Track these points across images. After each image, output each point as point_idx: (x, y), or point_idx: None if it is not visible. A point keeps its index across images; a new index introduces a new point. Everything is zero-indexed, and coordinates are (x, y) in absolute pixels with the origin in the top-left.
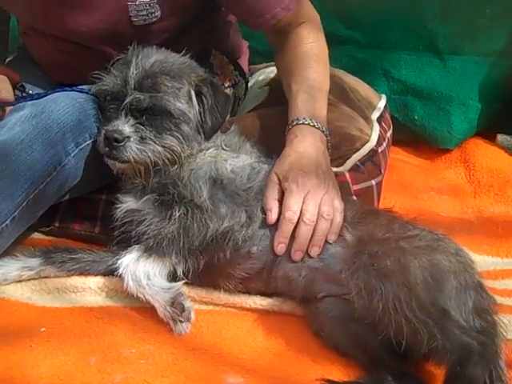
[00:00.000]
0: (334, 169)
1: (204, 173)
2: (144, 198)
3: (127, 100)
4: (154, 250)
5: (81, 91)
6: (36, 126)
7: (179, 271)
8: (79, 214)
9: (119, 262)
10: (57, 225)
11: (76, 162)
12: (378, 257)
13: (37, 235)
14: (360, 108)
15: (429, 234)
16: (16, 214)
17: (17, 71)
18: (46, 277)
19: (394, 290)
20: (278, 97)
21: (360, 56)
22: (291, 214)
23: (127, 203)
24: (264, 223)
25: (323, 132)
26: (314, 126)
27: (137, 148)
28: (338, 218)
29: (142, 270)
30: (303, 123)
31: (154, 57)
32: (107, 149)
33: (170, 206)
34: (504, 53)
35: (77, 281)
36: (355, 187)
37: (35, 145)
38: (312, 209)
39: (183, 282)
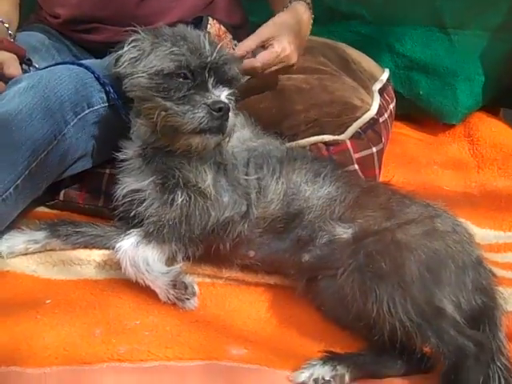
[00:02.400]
0: (336, 137)
1: (209, 157)
2: (147, 181)
3: (223, 74)
4: (153, 236)
5: (81, 65)
6: (34, 96)
7: (179, 258)
8: (83, 187)
9: (117, 245)
10: (61, 198)
11: (76, 132)
12: (373, 257)
13: (42, 209)
14: (362, 79)
15: (425, 211)
16: (19, 182)
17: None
18: (51, 250)
19: (388, 292)
20: None
21: (364, 31)
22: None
23: (128, 183)
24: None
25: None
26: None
27: (233, 120)
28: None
29: (140, 256)
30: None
31: (196, 31)
32: (218, 121)
33: (173, 190)
34: (509, 28)
35: (82, 253)
36: (357, 155)
37: (34, 114)
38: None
39: (182, 263)
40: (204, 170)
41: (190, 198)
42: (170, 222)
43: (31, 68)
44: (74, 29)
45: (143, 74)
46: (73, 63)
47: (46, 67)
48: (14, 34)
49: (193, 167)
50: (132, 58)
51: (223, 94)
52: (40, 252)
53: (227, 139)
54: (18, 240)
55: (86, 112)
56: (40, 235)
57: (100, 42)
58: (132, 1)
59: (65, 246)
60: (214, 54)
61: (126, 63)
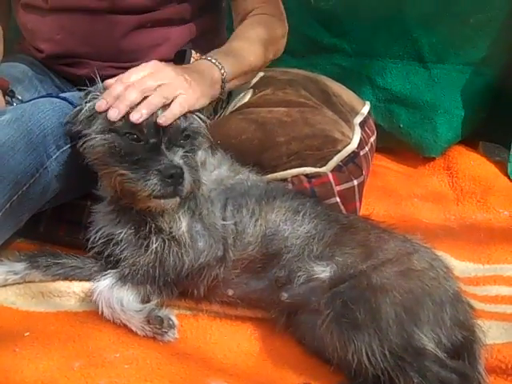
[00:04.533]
0: (318, 169)
1: (183, 204)
2: (121, 229)
3: (176, 130)
4: (128, 278)
5: (64, 99)
6: (17, 130)
7: (153, 300)
8: (64, 219)
9: (94, 286)
10: (42, 230)
11: (58, 165)
12: (349, 306)
13: (22, 240)
14: (342, 112)
15: (403, 248)
16: (0, 215)
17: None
18: (30, 281)
19: (366, 341)
20: (261, 97)
21: (345, 64)
22: (125, 76)
23: (103, 227)
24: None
25: (222, 75)
26: (218, 67)
27: (190, 179)
28: (176, 109)
29: (115, 297)
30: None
31: None
32: (171, 188)
33: (147, 236)
34: (488, 62)
35: (61, 285)
36: (338, 188)
37: (17, 147)
38: (150, 82)
39: (156, 301)
40: (178, 217)
41: (165, 243)
42: (145, 267)
43: (14, 100)
44: (58, 63)
45: (96, 136)
46: (56, 96)
47: (30, 100)
48: None
49: (166, 216)
50: (88, 115)
51: (177, 156)
52: (19, 283)
53: (200, 188)
54: None
55: (69, 145)
56: (19, 266)
57: (83, 76)
58: (115, 37)
59: (44, 278)
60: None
61: (83, 120)
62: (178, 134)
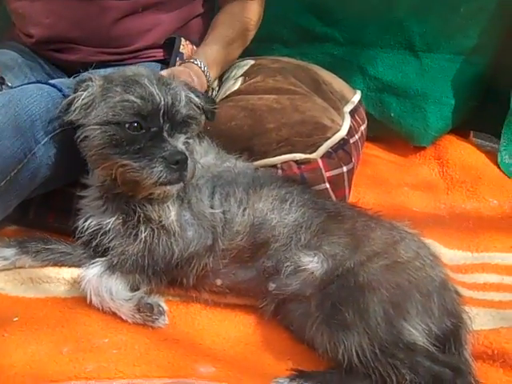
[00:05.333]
0: (308, 155)
1: (171, 194)
2: (109, 219)
3: (178, 117)
4: (117, 268)
5: (53, 86)
6: (5, 115)
7: (142, 289)
8: (53, 206)
9: (81, 275)
10: (31, 217)
11: (46, 151)
12: (338, 307)
13: (12, 227)
14: (332, 100)
15: (389, 237)
16: None
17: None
18: (20, 267)
19: (356, 341)
20: (251, 85)
21: (337, 53)
22: None
23: (90, 217)
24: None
25: (206, 77)
26: (203, 70)
27: (192, 165)
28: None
29: (104, 286)
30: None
31: (148, 70)
32: (177, 174)
33: (136, 226)
34: (478, 51)
35: (51, 271)
36: (328, 174)
37: (5, 132)
38: None
39: (144, 288)
40: (167, 206)
41: (154, 232)
42: (134, 256)
43: (3, 86)
44: (48, 48)
45: (96, 127)
46: (45, 83)
47: (18, 86)
48: None
49: (155, 206)
50: (84, 104)
51: (180, 142)
52: (8, 269)
53: (194, 175)
54: None
55: (57, 131)
56: (9, 252)
57: (73, 62)
58: (106, 22)
59: (34, 263)
60: (168, 97)
61: (78, 110)
62: (179, 121)
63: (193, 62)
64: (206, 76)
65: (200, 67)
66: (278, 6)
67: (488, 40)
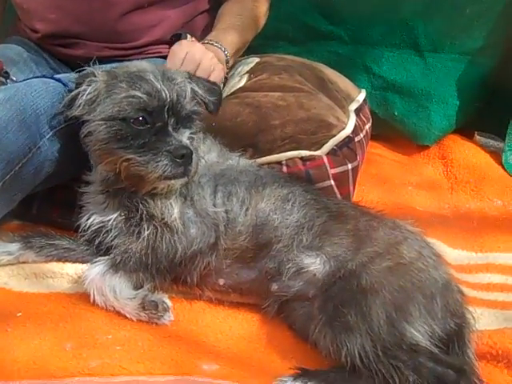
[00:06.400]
0: (313, 152)
1: (175, 190)
2: (112, 215)
3: (183, 112)
4: (120, 266)
5: (59, 80)
6: (10, 109)
7: (146, 287)
8: (57, 200)
9: (84, 274)
10: (35, 211)
11: (51, 146)
12: (340, 310)
13: (15, 222)
14: (338, 98)
15: (392, 237)
16: None
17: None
18: (24, 262)
19: (359, 344)
20: (257, 82)
21: (342, 52)
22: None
23: (93, 214)
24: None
25: (226, 56)
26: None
27: (196, 160)
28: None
29: (107, 285)
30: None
31: (151, 66)
32: (182, 168)
33: (139, 223)
34: (483, 52)
35: (54, 266)
36: (332, 171)
37: (10, 126)
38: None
39: (148, 286)
40: (170, 203)
41: (157, 230)
42: (137, 255)
43: (8, 81)
44: (53, 43)
45: (100, 122)
46: (50, 77)
47: (23, 80)
48: None
49: (157, 203)
50: (88, 100)
51: (185, 137)
52: (12, 264)
53: (196, 171)
54: None
55: (62, 126)
56: (13, 247)
57: (79, 57)
58: (112, 17)
59: (38, 258)
60: (173, 93)
61: (83, 105)
62: (184, 116)
63: (212, 44)
64: (220, 49)
65: (219, 48)
66: (284, 4)
67: (493, 41)
